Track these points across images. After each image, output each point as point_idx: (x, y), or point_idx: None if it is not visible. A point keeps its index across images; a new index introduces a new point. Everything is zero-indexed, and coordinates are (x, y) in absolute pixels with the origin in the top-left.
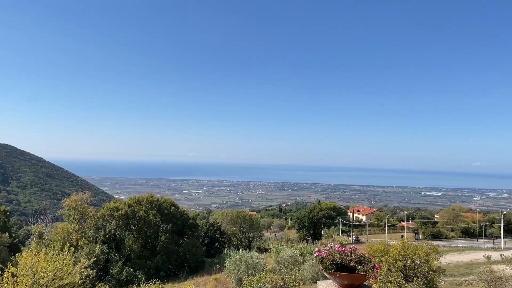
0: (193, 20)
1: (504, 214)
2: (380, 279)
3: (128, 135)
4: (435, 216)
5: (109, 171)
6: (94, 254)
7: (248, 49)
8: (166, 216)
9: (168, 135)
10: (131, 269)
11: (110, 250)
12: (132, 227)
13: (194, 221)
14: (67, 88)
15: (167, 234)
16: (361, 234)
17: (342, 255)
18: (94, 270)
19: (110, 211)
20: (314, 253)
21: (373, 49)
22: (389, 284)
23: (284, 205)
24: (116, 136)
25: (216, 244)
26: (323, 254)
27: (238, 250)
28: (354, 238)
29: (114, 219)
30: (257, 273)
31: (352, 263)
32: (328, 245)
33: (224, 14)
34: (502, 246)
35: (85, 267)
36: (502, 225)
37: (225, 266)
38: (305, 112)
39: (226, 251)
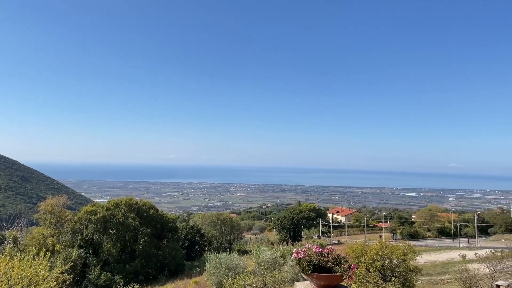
0: (172, 20)
1: (479, 214)
2: (358, 279)
3: (106, 137)
4: (412, 216)
5: (86, 174)
6: (71, 259)
7: (229, 50)
8: (145, 219)
9: (147, 138)
10: (109, 273)
11: (88, 254)
12: (110, 230)
13: (173, 224)
14: (41, 90)
15: (146, 238)
16: (341, 235)
17: (319, 256)
18: (71, 275)
19: (88, 214)
20: (292, 255)
21: (348, 49)
22: (367, 284)
23: (265, 207)
24: (94, 139)
25: (196, 247)
26: (301, 256)
27: (219, 252)
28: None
29: (91, 223)
30: (237, 276)
31: (329, 263)
32: (306, 246)
33: (207, 13)
34: (476, 245)
35: (62, 272)
36: (476, 224)
37: (205, 269)
38: (285, 114)
39: (206, 253)
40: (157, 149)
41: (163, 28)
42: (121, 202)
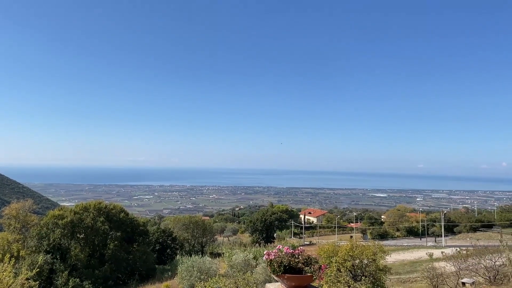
0: (140, 22)
1: (445, 213)
2: (330, 279)
3: (74, 140)
4: (382, 216)
5: (54, 178)
6: (37, 265)
7: (202, 52)
8: (115, 223)
9: (116, 140)
10: (78, 279)
11: (55, 260)
12: (78, 235)
13: (144, 228)
14: (5, 91)
15: (116, 242)
16: (312, 236)
17: (290, 257)
18: (37, 282)
19: (55, 219)
20: (263, 257)
21: (321, 53)
22: (338, 284)
23: (238, 209)
24: (61, 141)
25: (168, 250)
26: (272, 257)
27: (191, 255)
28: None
29: (59, 228)
30: (210, 279)
31: (300, 264)
32: (277, 247)
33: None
34: (443, 244)
35: (27, 279)
36: (443, 224)
37: (177, 273)
38: (258, 117)
39: (178, 257)
40: (127, 152)
41: (131, 31)
42: (89, 205)
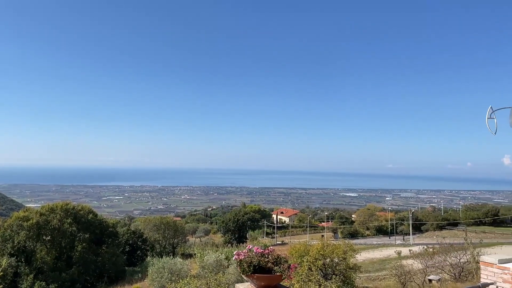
0: (107, 19)
1: (413, 212)
2: (301, 278)
3: (40, 138)
4: (353, 215)
5: (18, 178)
6: (1, 268)
7: (170, 50)
8: (83, 224)
9: (85, 139)
10: (43, 282)
11: (19, 263)
12: (44, 237)
13: (114, 229)
14: None
15: (84, 244)
16: (285, 236)
17: (259, 257)
18: (1, 286)
19: (19, 220)
20: (233, 257)
21: (296, 53)
22: (309, 283)
23: (210, 209)
24: (27, 140)
25: (138, 252)
26: (242, 257)
27: (162, 257)
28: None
29: (24, 230)
30: (181, 280)
31: (269, 264)
32: (247, 247)
33: (140, 13)
34: (411, 242)
35: None
36: (411, 222)
37: (147, 274)
38: (230, 116)
39: (148, 258)
40: (96, 151)
41: (96, 27)
42: (56, 207)
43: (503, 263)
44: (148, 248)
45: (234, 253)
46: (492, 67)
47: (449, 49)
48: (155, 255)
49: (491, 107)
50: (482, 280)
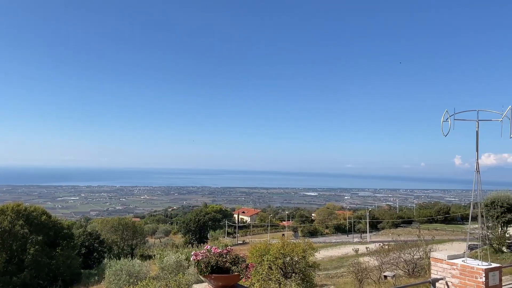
0: (48, 14)
1: (370, 210)
2: (261, 278)
3: None
4: (313, 214)
5: None
6: None
7: (120, 48)
8: (36, 226)
9: (39, 137)
10: None
11: None
12: None
13: (69, 231)
14: None
15: (37, 246)
16: (246, 235)
17: (218, 257)
18: None
19: None
20: (191, 258)
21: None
22: (269, 281)
23: (170, 209)
24: None
25: (95, 254)
26: (199, 258)
27: (119, 259)
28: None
29: None
30: (139, 282)
31: (227, 264)
32: (205, 248)
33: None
34: (368, 240)
35: None
36: (368, 220)
37: (104, 277)
38: (189, 116)
39: (105, 260)
40: (51, 150)
41: (36, 22)
42: (7, 208)
43: (452, 259)
44: (105, 250)
45: (192, 253)
46: (447, 72)
47: (406, 54)
48: (112, 257)
49: (447, 111)
50: (433, 276)
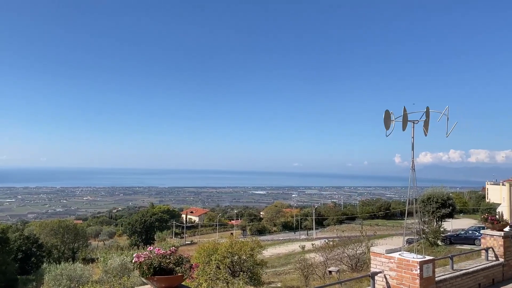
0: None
1: (316, 208)
2: (209, 277)
3: None
4: (261, 213)
5: None
6: None
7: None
8: None
9: None
10: None
11: None
12: None
13: (4, 235)
14: None
15: None
16: (194, 235)
17: (161, 258)
18: None
19: None
20: (133, 259)
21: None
22: (217, 281)
23: (115, 210)
24: None
25: (33, 258)
26: (141, 259)
27: (60, 263)
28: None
29: None
30: (81, 286)
31: (171, 265)
32: (148, 249)
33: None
34: (314, 236)
35: None
36: (314, 218)
37: (43, 283)
38: (136, 114)
39: (45, 265)
40: None
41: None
42: None
43: (389, 253)
44: (44, 254)
45: (134, 255)
46: (388, 74)
47: (348, 60)
48: (52, 261)
49: (387, 110)
50: (372, 269)
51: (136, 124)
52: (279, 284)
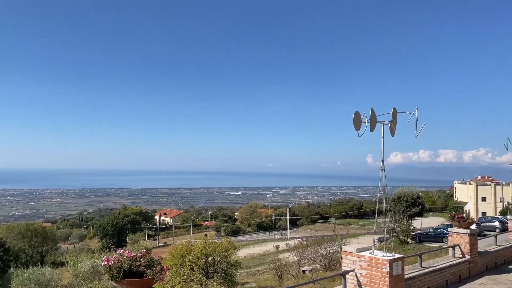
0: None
1: (290, 208)
2: (183, 279)
3: None
4: (236, 213)
5: None
6: None
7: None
8: None
9: None
10: None
11: None
12: None
13: None
14: None
15: None
16: (167, 237)
17: (131, 261)
18: None
19: None
20: (102, 263)
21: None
22: (191, 283)
23: (86, 213)
24: None
25: None
26: (111, 263)
27: (28, 267)
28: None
29: None
30: None
31: (141, 267)
32: (118, 252)
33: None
34: (288, 236)
35: None
36: (288, 217)
37: None
38: (106, 112)
39: (11, 270)
40: None
41: None
42: None
43: (360, 252)
44: (11, 258)
45: (103, 258)
46: (354, 74)
47: (316, 59)
48: (19, 266)
49: (357, 112)
50: (344, 268)
51: (106, 123)
52: (253, 285)
